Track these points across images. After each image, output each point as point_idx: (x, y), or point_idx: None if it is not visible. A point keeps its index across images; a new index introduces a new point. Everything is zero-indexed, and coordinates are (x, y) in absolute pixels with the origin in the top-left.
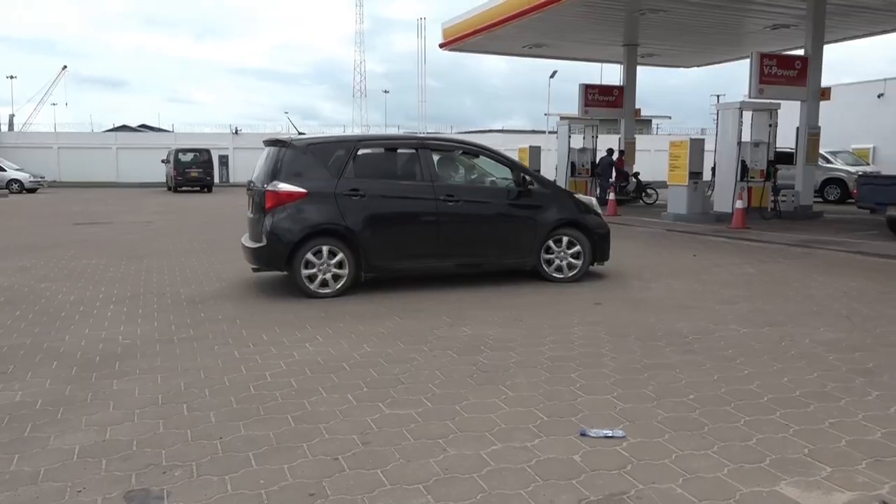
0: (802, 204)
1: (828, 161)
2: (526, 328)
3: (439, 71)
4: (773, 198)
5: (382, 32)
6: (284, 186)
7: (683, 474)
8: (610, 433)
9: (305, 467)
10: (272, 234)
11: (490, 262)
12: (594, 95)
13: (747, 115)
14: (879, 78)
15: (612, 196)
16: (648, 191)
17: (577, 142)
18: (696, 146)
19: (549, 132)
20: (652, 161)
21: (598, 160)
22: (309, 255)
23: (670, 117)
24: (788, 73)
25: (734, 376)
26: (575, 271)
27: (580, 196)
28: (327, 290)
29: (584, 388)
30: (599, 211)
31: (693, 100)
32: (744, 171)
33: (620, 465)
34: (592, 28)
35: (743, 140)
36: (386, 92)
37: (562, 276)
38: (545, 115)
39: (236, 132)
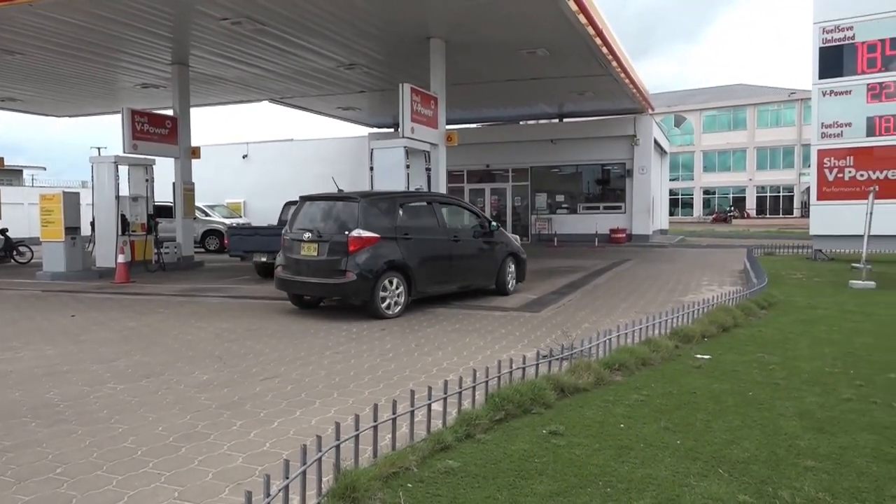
0: (185, 255)
1: (206, 214)
2: None
3: None
4: (156, 250)
5: None
6: (365, 233)
7: None
8: None
9: None
10: (360, 270)
11: (473, 284)
12: None
13: (125, 169)
14: (244, 141)
15: None
16: (21, 248)
17: None
18: (71, 200)
19: None
20: (27, 216)
21: None
22: (384, 284)
23: (45, 168)
24: (160, 131)
25: (108, 437)
26: (512, 287)
27: (510, 234)
28: (394, 311)
29: None
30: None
31: (77, 151)
32: (125, 225)
33: None
34: None
35: (122, 194)
36: None
37: (511, 290)
38: None
39: None
